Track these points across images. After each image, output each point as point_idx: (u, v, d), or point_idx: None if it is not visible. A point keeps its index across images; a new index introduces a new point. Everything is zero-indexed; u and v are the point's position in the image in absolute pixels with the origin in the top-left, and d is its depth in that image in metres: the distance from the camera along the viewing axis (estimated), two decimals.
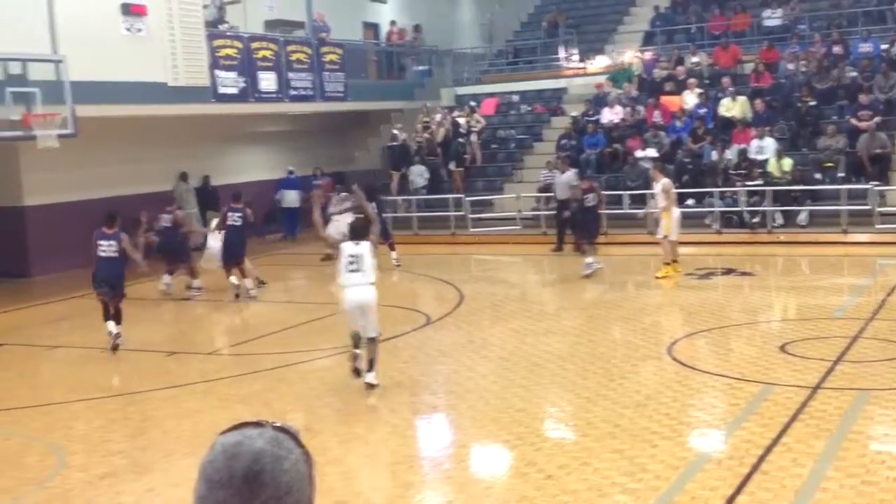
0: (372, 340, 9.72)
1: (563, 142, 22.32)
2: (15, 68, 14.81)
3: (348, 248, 9.67)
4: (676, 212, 15.52)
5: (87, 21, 16.36)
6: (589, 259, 15.79)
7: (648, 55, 25.28)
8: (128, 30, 17.45)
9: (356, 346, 9.78)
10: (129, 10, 17.37)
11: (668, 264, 15.41)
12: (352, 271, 9.58)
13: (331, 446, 7.91)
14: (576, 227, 17.43)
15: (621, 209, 19.41)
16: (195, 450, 7.80)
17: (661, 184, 15.52)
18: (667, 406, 8.79)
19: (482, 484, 7.49)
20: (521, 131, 24.51)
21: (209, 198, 22.37)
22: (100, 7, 16.77)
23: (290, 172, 23.92)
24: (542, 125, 24.54)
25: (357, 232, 9.90)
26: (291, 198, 23.54)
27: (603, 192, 17.33)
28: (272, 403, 9.49)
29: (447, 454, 8.21)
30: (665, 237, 15.36)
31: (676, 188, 19.81)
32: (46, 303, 15.59)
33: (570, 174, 18.61)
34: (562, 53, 27.51)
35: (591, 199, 16.18)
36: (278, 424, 1.76)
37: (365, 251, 9.63)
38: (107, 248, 12.08)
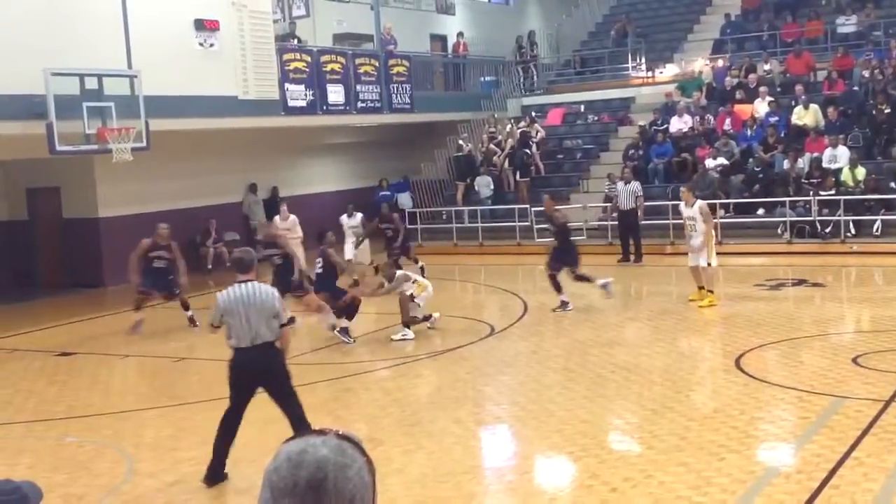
0: None
1: (631, 151, 22.14)
2: (91, 83, 15.20)
3: None
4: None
5: (161, 36, 16.75)
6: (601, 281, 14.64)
7: (719, 63, 24.95)
8: (200, 44, 17.82)
9: None
10: (202, 25, 17.74)
11: (710, 291, 14.05)
12: None
13: (394, 456, 7.94)
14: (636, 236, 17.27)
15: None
16: (260, 458, 7.87)
17: (697, 206, 14.00)
18: (735, 419, 8.63)
19: (546, 496, 7.44)
20: (588, 141, 24.38)
21: (277, 209, 22.65)
22: (174, 22, 17.15)
23: (382, 181, 24.22)
24: (608, 135, 24.38)
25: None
26: (405, 200, 23.79)
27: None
28: (336, 413, 9.56)
29: (511, 465, 8.18)
30: (708, 265, 13.93)
31: (746, 197, 19.61)
32: (119, 313, 15.93)
33: (635, 185, 18.48)
34: (630, 62, 27.31)
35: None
36: (342, 433, 1.78)
37: None
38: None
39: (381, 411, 9.77)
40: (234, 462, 8.30)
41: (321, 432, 1.78)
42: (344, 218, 18.49)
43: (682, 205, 14.47)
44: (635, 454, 8.19)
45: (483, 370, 11.40)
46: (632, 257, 18.56)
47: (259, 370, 7.59)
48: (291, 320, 7.95)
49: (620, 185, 18.99)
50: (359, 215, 18.45)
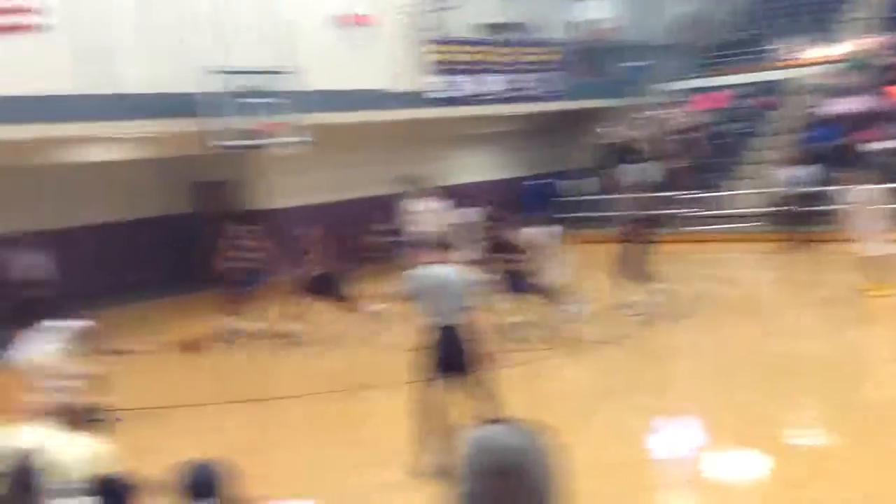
0: None
1: (792, 136, 21.30)
2: (253, 80, 15.75)
3: None
4: None
5: (317, 32, 17.23)
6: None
7: (885, 41, 23.69)
8: (356, 38, 18.19)
9: None
10: (357, 20, 18.13)
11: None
12: None
13: (569, 444, 7.85)
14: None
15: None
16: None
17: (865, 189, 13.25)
18: None
19: (723, 489, 7.28)
20: (742, 126, 23.61)
21: None
22: (328, 17, 17.59)
23: (532, 171, 24.20)
24: (764, 118, 23.54)
25: None
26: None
27: None
28: (514, 399, 9.56)
29: (687, 458, 8.04)
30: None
31: None
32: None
33: (796, 169, 17.89)
34: (783, 44, 26.24)
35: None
36: (526, 421, 1.89)
37: None
38: None
39: (556, 398, 9.78)
40: (397, 453, 8.36)
41: (506, 421, 1.86)
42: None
43: (848, 188, 13.80)
44: (815, 450, 7.92)
45: (648, 362, 11.22)
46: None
47: (452, 351, 7.58)
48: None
49: (780, 169, 18.44)
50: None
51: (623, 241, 13.04)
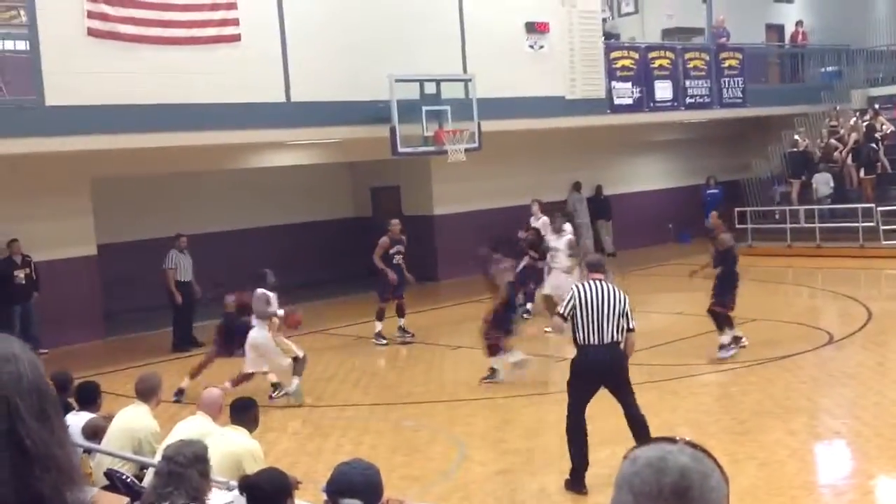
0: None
1: None
2: (429, 88, 16.08)
3: None
4: None
5: (494, 40, 17.35)
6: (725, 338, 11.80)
7: None
8: (531, 46, 18.24)
9: None
10: (533, 28, 18.16)
11: None
12: None
13: (723, 465, 7.66)
14: None
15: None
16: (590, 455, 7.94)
17: None
18: None
19: None
20: None
21: (602, 207, 22.77)
22: (506, 26, 17.70)
23: (710, 179, 23.56)
24: None
25: None
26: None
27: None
28: (661, 415, 9.39)
29: (850, 483, 7.63)
30: None
31: None
32: (451, 305, 16.74)
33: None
34: None
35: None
36: (691, 441, 1.76)
37: None
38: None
39: (708, 417, 9.49)
40: (561, 456, 8.41)
41: (672, 440, 1.78)
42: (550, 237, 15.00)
43: None
44: None
45: (820, 380, 10.71)
46: None
47: (605, 369, 7.60)
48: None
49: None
50: (567, 232, 14.82)
51: None
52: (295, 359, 10.87)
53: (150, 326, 15.76)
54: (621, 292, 7.69)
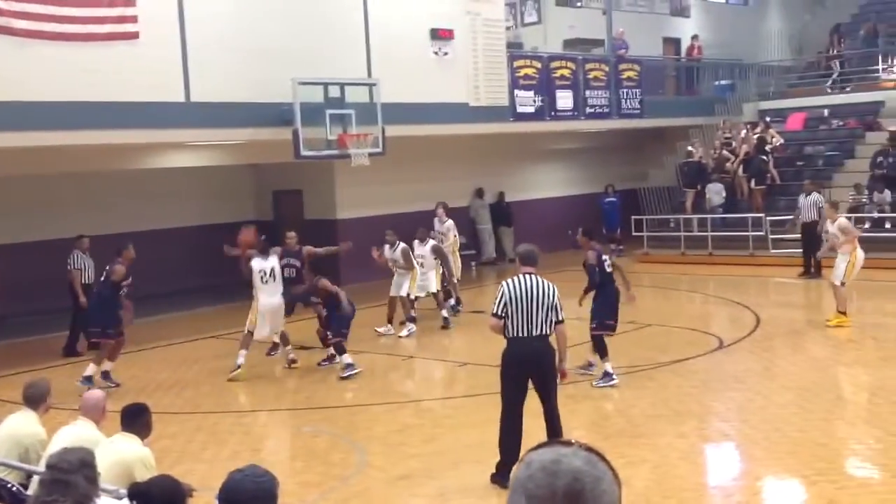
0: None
1: (879, 159, 20.71)
2: (334, 92, 16.02)
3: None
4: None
5: (399, 46, 17.39)
6: None
7: None
8: (435, 53, 18.34)
9: None
10: (437, 35, 18.25)
11: (843, 313, 13.46)
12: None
13: (617, 467, 7.82)
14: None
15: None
16: (483, 458, 8.03)
17: (837, 224, 13.70)
18: None
19: None
20: (831, 147, 23.03)
21: (504, 214, 23.04)
22: (411, 32, 17.75)
23: (608, 188, 23.97)
24: (855, 141, 22.93)
25: None
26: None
27: None
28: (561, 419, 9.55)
29: (739, 486, 7.89)
30: (841, 284, 13.44)
31: None
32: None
33: (816, 196, 18.04)
34: (881, 64, 25.57)
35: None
36: (586, 444, 1.81)
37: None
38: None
39: (604, 420, 9.69)
40: (458, 461, 8.50)
41: (567, 443, 1.81)
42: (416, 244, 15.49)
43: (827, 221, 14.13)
44: (877, 482, 7.69)
45: (710, 385, 11.04)
46: (812, 270, 17.94)
47: (533, 361, 7.70)
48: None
49: (801, 197, 18.59)
50: (430, 243, 15.47)
51: None
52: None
53: (43, 330, 15.25)
54: (550, 285, 7.76)
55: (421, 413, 10.28)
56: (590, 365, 11.24)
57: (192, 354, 13.95)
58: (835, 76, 25.96)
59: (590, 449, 1.80)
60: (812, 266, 17.90)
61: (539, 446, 1.81)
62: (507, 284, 7.73)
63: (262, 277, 12.17)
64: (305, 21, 16.06)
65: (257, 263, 12.21)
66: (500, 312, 7.65)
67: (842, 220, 14.09)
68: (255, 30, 15.39)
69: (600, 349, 10.88)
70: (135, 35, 13.98)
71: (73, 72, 13.26)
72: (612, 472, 1.79)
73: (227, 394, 11.50)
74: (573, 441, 1.81)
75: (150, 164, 17.37)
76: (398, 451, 8.88)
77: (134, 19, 13.97)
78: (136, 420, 6.10)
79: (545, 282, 7.77)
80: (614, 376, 10.81)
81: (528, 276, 7.74)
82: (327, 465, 8.64)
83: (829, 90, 25.38)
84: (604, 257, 11.23)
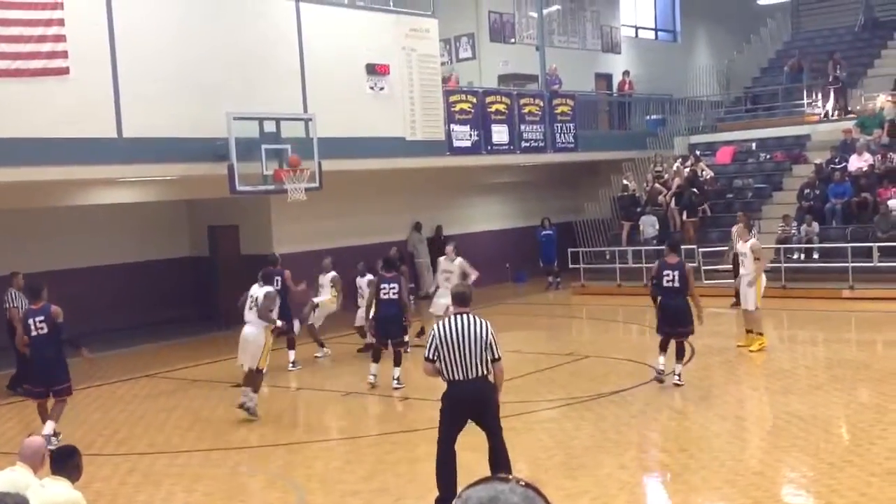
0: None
1: (806, 191, 21.28)
2: (269, 126, 15.95)
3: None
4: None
5: (335, 80, 17.41)
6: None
7: None
8: (371, 88, 18.40)
9: None
10: (373, 70, 18.32)
11: (760, 334, 14.14)
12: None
13: (557, 500, 7.83)
14: None
15: (870, 262, 18.21)
16: (424, 494, 7.97)
17: (750, 245, 14.10)
18: None
19: None
20: (760, 180, 23.61)
21: (442, 247, 23.05)
22: (347, 67, 17.79)
23: (544, 221, 24.10)
24: (782, 173, 23.54)
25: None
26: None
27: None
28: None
29: None
30: (756, 308, 13.96)
31: None
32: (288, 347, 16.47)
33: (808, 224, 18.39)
34: (805, 99, 26.36)
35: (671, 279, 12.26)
36: (524, 480, 1.79)
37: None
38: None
39: (543, 452, 9.69)
40: (400, 498, 8.42)
41: (505, 479, 1.79)
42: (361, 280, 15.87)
43: (735, 239, 14.53)
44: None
45: (648, 415, 11.13)
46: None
47: (472, 403, 7.66)
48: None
49: (734, 228, 18.68)
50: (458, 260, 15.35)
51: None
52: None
53: None
54: (483, 323, 7.66)
55: (360, 450, 10.17)
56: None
57: (125, 394, 13.65)
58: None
59: (527, 484, 1.78)
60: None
61: (476, 483, 1.79)
62: (437, 327, 7.70)
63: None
64: (240, 56, 16.00)
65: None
66: (431, 356, 7.59)
67: (753, 241, 14.44)
68: (189, 65, 15.28)
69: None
70: (65, 70, 13.78)
71: (2, 108, 13.00)
72: None
73: (161, 434, 11.25)
74: (511, 477, 1.79)
75: (83, 200, 17.05)
76: (337, 489, 8.76)
77: (64, 55, 13.76)
78: (66, 462, 5.93)
79: (478, 321, 7.65)
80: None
81: (459, 317, 7.63)
82: None
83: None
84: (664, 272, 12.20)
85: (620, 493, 8.29)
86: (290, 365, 14.88)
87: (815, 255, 19.96)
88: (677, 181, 22.81)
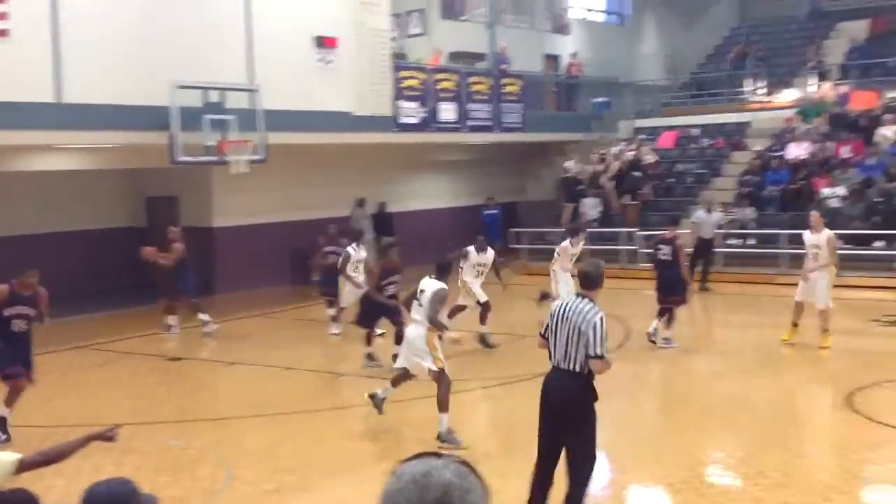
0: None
1: (746, 177, 21.62)
2: (214, 96, 15.72)
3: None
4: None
5: (282, 52, 17.21)
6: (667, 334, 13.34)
7: (843, 89, 24.19)
8: (319, 61, 18.21)
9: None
10: (322, 42, 18.13)
11: (826, 331, 12.91)
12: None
13: (491, 478, 7.87)
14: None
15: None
16: (358, 471, 8.00)
17: (826, 236, 12.90)
18: (844, 458, 8.32)
19: None
20: (701, 165, 23.91)
21: (385, 224, 23.02)
22: (295, 39, 17.59)
23: (489, 200, 24.12)
24: (722, 160, 23.87)
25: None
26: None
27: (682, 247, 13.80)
28: (435, 430, 9.58)
29: (607, 494, 8.06)
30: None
31: (865, 229, 18.91)
32: (228, 320, 16.37)
33: (719, 215, 18.79)
34: (748, 86, 26.73)
35: (665, 253, 13.38)
36: (458, 457, 1.82)
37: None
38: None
39: (481, 431, 9.76)
40: (332, 474, 8.42)
41: (438, 455, 1.82)
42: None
43: (807, 232, 13.23)
44: (737, 489, 7.98)
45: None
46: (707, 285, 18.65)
47: (553, 396, 6.70)
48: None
49: (701, 212, 19.19)
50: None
51: None
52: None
53: None
54: (591, 313, 6.61)
55: (293, 425, 10.15)
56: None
57: (56, 365, 13.43)
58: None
59: (460, 461, 1.82)
60: (707, 280, 18.54)
61: (411, 458, 1.82)
62: (556, 305, 7.01)
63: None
64: (186, 24, 15.73)
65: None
66: (543, 332, 6.82)
67: (830, 233, 13.18)
68: (132, 31, 14.99)
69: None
70: (4, 33, 13.43)
71: None
72: (482, 485, 1.82)
73: (92, 406, 11.11)
74: (445, 454, 1.83)
75: (17, 166, 16.64)
76: (269, 464, 8.74)
77: (4, 16, 13.41)
78: None
79: (588, 308, 6.60)
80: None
81: (577, 300, 6.76)
82: (195, 479, 8.44)
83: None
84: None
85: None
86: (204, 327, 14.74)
87: (751, 241, 20.29)
88: (618, 164, 23.01)
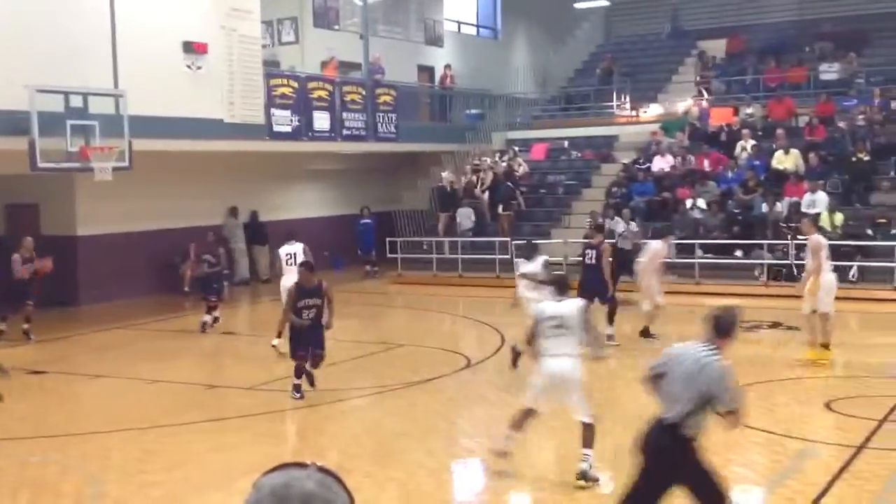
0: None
1: (613, 189, 22.27)
2: (76, 101, 15.16)
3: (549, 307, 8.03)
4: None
5: (149, 57, 16.74)
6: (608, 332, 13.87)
7: (703, 105, 25.24)
8: (188, 66, 17.82)
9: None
10: (190, 48, 17.75)
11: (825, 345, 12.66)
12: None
13: (364, 487, 7.85)
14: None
15: (669, 259, 19.21)
16: (229, 484, 7.83)
17: (812, 240, 12.64)
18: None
19: None
20: (571, 177, 24.51)
21: (257, 233, 22.69)
22: (162, 44, 17.15)
23: (364, 209, 24.00)
24: (591, 171, 24.53)
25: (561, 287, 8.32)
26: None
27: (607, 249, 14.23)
28: (308, 440, 9.50)
29: (483, 500, 8.14)
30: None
31: (725, 239, 19.75)
32: (92, 332, 15.80)
33: (635, 226, 18.87)
34: (615, 101, 27.56)
35: (590, 257, 14.04)
36: (322, 466, 1.77)
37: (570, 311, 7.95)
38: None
39: (353, 440, 9.70)
40: (202, 488, 8.23)
41: (302, 465, 1.77)
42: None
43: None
44: (606, 493, 8.15)
45: (457, 402, 11.36)
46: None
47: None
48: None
49: (619, 222, 19.14)
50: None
51: None
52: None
53: None
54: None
55: (162, 439, 9.86)
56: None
57: None
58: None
59: (326, 471, 1.77)
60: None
61: (272, 470, 1.77)
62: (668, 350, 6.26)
63: None
64: (46, 25, 15.14)
65: None
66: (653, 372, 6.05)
67: (816, 237, 12.92)
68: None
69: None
70: None
71: None
72: (347, 494, 1.78)
73: None
74: (309, 463, 1.78)
75: None
76: (137, 479, 8.46)
77: None
78: None
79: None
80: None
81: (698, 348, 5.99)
82: (58, 496, 8.08)
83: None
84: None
85: (428, 479, 8.41)
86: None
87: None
88: (491, 175, 23.36)
